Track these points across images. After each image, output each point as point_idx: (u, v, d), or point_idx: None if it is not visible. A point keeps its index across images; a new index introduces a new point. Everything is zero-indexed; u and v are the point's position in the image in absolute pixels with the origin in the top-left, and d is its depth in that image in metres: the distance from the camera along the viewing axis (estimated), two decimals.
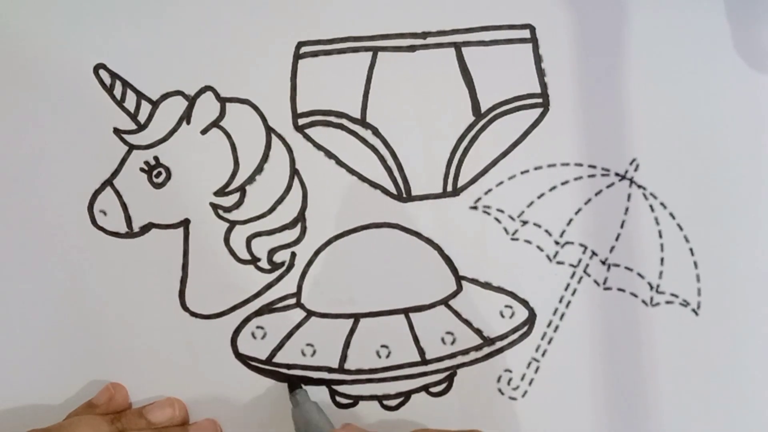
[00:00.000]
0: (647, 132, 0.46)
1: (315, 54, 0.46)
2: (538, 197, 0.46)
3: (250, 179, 0.45)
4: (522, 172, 0.46)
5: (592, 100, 0.46)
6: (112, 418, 0.42)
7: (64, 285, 0.44)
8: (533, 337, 0.45)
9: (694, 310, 0.45)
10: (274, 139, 0.45)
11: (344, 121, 0.45)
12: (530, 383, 0.44)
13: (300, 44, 0.46)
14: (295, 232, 0.45)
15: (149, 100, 0.45)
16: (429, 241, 0.45)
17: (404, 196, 0.45)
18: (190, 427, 0.43)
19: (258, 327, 0.44)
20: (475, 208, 0.45)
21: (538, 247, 0.45)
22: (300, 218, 0.45)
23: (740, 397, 0.45)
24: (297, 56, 0.46)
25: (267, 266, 0.45)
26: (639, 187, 0.46)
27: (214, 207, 0.45)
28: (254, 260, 0.45)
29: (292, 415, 0.42)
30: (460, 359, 0.44)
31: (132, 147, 0.45)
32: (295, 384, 0.43)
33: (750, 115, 0.46)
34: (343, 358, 0.44)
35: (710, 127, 0.46)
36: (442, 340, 0.44)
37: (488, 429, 0.43)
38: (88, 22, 0.46)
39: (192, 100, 0.45)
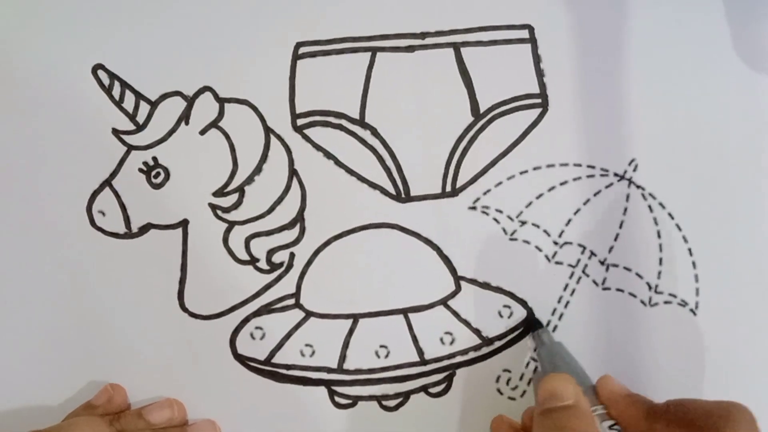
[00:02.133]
0: (646, 132, 0.46)
1: (314, 54, 0.45)
2: (537, 197, 0.45)
3: (249, 180, 0.45)
4: (521, 173, 0.45)
5: (590, 100, 0.46)
6: (111, 419, 0.41)
7: (63, 285, 0.44)
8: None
9: (692, 310, 0.45)
10: (273, 139, 0.45)
11: (343, 122, 0.45)
12: (529, 383, 0.44)
13: (299, 45, 0.45)
14: (294, 233, 0.45)
15: (148, 101, 0.45)
16: (428, 242, 0.45)
17: (403, 196, 0.45)
18: (189, 427, 0.43)
19: (257, 327, 0.44)
20: (473, 208, 0.45)
21: (537, 247, 0.45)
22: (299, 219, 0.45)
23: (739, 396, 0.44)
24: (296, 57, 0.45)
25: (266, 267, 0.44)
26: (638, 187, 0.45)
27: (213, 207, 0.45)
28: (253, 261, 0.44)
29: (537, 354, 0.41)
30: (458, 359, 0.44)
31: (131, 147, 0.45)
32: (536, 323, 0.43)
33: (749, 115, 0.46)
34: (342, 358, 0.44)
35: (709, 127, 0.46)
36: (441, 340, 0.44)
37: (487, 429, 0.43)
38: (87, 22, 0.46)
39: (191, 101, 0.45)
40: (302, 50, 0.45)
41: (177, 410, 0.43)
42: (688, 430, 0.35)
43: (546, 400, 0.36)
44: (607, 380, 0.39)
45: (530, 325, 0.43)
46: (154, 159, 0.45)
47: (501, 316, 0.44)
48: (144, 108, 0.45)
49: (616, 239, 0.45)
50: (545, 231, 0.45)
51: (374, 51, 0.45)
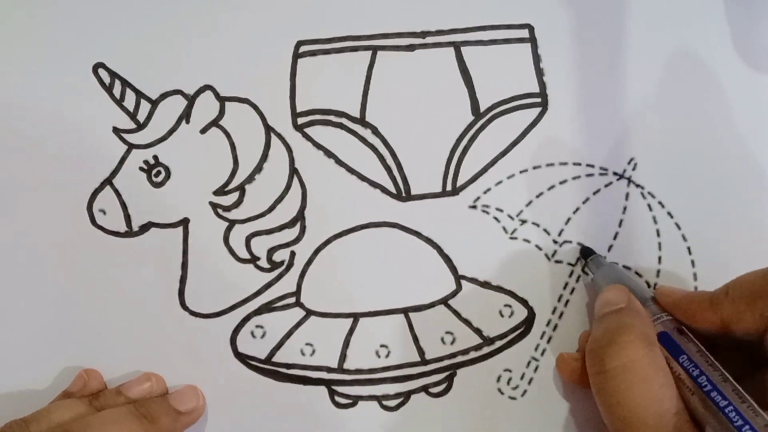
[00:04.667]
0: (645, 131, 0.44)
1: (314, 53, 0.44)
2: (537, 197, 0.43)
3: (250, 178, 0.43)
4: (521, 172, 0.44)
5: (590, 99, 0.44)
6: (90, 399, 0.40)
7: (63, 284, 0.42)
8: (532, 336, 0.42)
9: None
10: (274, 138, 0.43)
11: (343, 120, 0.43)
12: (530, 382, 0.42)
13: (299, 43, 0.44)
14: (294, 232, 0.43)
15: (148, 99, 0.43)
16: (428, 241, 0.43)
17: (403, 195, 0.43)
18: (170, 395, 0.41)
19: (257, 326, 0.42)
20: (474, 207, 0.43)
21: (537, 246, 0.43)
22: (299, 217, 0.43)
23: None
24: (296, 55, 0.44)
25: (266, 265, 0.43)
26: (637, 186, 0.44)
27: (214, 206, 0.43)
28: (254, 259, 0.43)
29: (593, 280, 0.41)
30: (459, 359, 0.42)
31: (131, 146, 0.43)
32: (589, 250, 0.42)
33: (749, 115, 0.44)
34: (343, 357, 0.42)
35: (708, 126, 0.44)
36: (442, 339, 0.42)
37: (488, 429, 0.41)
38: (88, 21, 0.44)
39: (191, 99, 0.43)
40: (303, 49, 0.44)
41: (155, 382, 0.41)
42: (751, 301, 0.34)
43: (600, 308, 0.37)
44: (662, 289, 0.38)
45: (584, 253, 0.42)
46: (155, 158, 0.43)
47: (502, 315, 0.42)
48: (145, 107, 0.43)
49: (615, 238, 0.43)
50: (545, 230, 0.43)
51: (375, 50, 0.44)
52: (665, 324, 0.36)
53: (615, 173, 0.44)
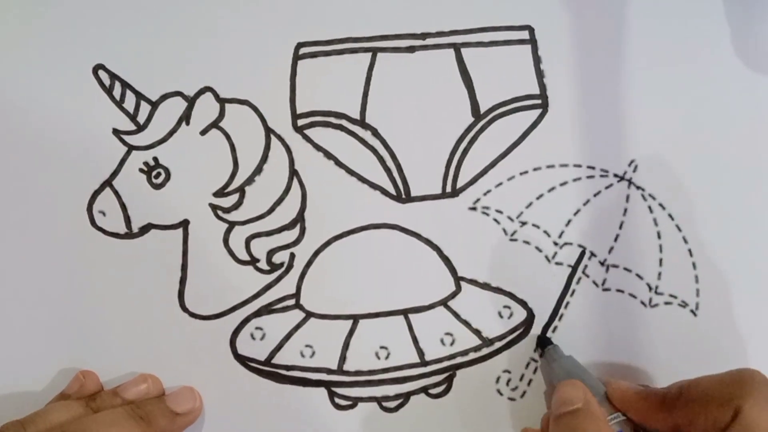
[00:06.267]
0: (646, 133, 0.44)
1: (314, 55, 0.44)
2: (537, 198, 0.43)
3: (250, 180, 0.43)
4: (521, 173, 0.44)
5: (590, 101, 0.44)
6: (87, 400, 0.40)
7: (63, 285, 0.42)
8: (532, 338, 0.42)
9: (692, 311, 0.43)
10: (274, 139, 0.43)
11: (343, 122, 0.43)
12: (529, 384, 0.42)
13: (299, 45, 0.44)
14: (294, 233, 0.43)
15: (148, 101, 0.43)
16: (428, 242, 0.43)
17: (403, 196, 0.43)
18: (167, 396, 0.41)
19: (257, 328, 0.42)
20: (474, 209, 0.43)
21: (537, 248, 0.43)
22: (299, 219, 0.43)
23: None
24: (296, 57, 0.44)
25: (266, 267, 0.43)
26: (637, 188, 0.43)
27: (214, 208, 0.43)
28: (253, 261, 0.43)
29: (550, 369, 0.40)
30: (459, 360, 0.42)
31: (131, 148, 0.43)
32: (547, 340, 0.41)
33: (749, 116, 0.44)
34: (342, 359, 0.42)
35: (709, 127, 0.44)
36: (441, 341, 0.42)
37: (487, 430, 0.41)
38: (87, 22, 0.44)
39: (191, 101, 0.43)
40: (303, 50, 0.44)
41: (152, 383, 0.41)
42: (705, 406, 0.34)
43: (557, 407, 0.36)
44: (615, 385, 0.38)
45: (541, 342, 0.42)
46: (155, 159, 0.43)
47: (501, 316, 0.42)
48: (145, 108, 0.43)
49: (616, 240, 0.43)
50: (545, 231, 0.43)
51: (375, 51, 0.44)
52: (621, 424, 0.36)
53: (615, 175, 0.43)
